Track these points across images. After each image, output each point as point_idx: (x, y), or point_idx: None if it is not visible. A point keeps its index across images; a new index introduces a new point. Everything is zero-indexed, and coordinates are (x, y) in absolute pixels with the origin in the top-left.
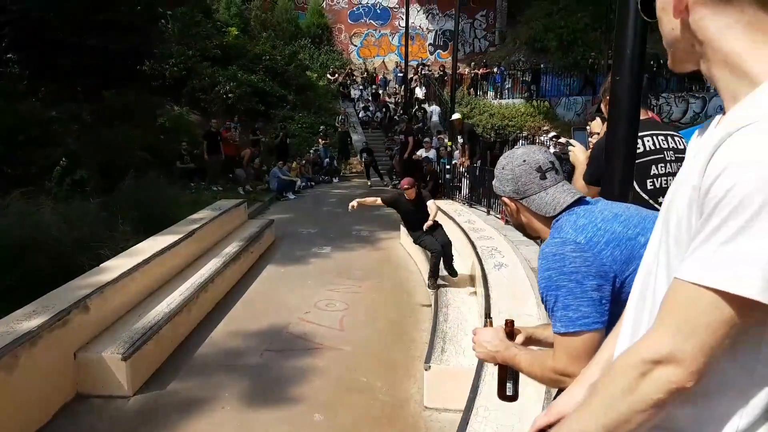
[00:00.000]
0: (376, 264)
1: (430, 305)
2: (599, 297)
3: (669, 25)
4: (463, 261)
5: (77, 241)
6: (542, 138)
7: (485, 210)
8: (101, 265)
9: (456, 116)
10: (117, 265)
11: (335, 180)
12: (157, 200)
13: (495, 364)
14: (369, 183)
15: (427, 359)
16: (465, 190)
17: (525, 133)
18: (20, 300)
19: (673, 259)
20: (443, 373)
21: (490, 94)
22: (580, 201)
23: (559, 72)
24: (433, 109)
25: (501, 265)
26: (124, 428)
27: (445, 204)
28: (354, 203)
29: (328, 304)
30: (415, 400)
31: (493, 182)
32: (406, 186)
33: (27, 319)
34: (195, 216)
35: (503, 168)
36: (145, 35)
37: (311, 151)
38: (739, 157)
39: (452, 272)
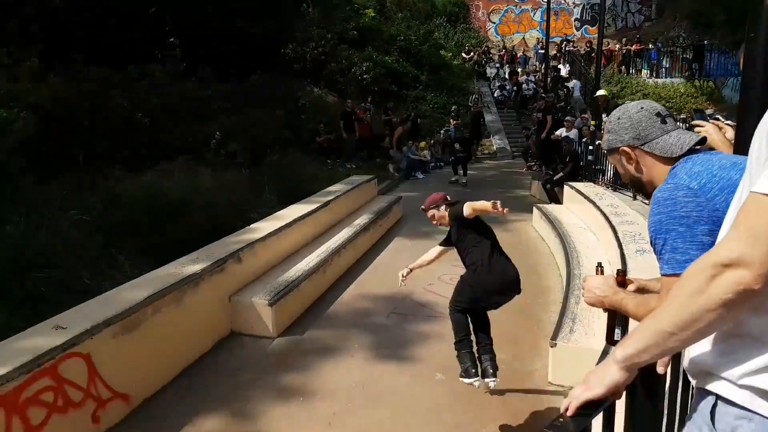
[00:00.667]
0: (505, 245)
1: (562, 289)
2: (710, 242)
3: None
4: (602, 246)
5: (230, 205)
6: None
7: (631, 195)
8: (251, 225)
9: (601, 92)
10: (264, 227)
11: None
12: (297, 174)
13: (604, 310)
14: (454, 178)
15: (554, 336)
16: (609, 173)
17: (683, 115)
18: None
19: (752, 183)
20: (570, 351)
21: (645, 72)
22: (701, 144)
23: (726, 49)
24: (575, 84)
25: (643, 251)
26: (269, 362)
27: (585, 187)
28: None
29: (452, 278)
30: (539, 375)
31: (605, 138)
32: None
33: (192, 264)
34: (330, 188)
35: (619, 119)
36: (287, 20)
37: (442, 131)
38: None
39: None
